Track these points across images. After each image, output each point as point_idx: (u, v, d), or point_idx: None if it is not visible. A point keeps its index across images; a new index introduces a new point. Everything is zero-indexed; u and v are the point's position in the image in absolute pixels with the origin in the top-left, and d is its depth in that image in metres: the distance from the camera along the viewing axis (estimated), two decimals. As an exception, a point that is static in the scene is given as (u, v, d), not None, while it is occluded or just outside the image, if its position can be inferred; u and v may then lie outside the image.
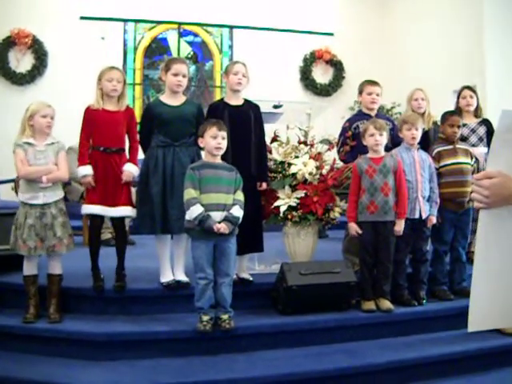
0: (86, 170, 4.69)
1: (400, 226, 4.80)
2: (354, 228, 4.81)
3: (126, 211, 4.74)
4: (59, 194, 4.64)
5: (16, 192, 5.91)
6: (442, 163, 5.16)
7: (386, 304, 4.75)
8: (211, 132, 4.31)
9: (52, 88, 10.41)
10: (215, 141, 4.30)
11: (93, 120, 4.72)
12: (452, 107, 6.03)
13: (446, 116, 5.30)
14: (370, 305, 4.76)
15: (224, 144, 4.35)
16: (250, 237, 4.73)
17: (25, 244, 4.47)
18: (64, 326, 4.39)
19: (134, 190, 5.04)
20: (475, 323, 2.02)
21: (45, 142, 4.60)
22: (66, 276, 4.74)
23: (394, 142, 5.31)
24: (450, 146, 5.22)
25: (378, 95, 5.46)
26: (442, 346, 4.51)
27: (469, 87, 5.97)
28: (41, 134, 4.57)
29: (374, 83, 5.49)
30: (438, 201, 5.00)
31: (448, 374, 4.34)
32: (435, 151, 5.23)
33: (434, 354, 4.39)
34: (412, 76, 10.30)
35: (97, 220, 4.79)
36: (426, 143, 5.46)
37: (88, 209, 4.72)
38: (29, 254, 4.50)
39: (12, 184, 7.36)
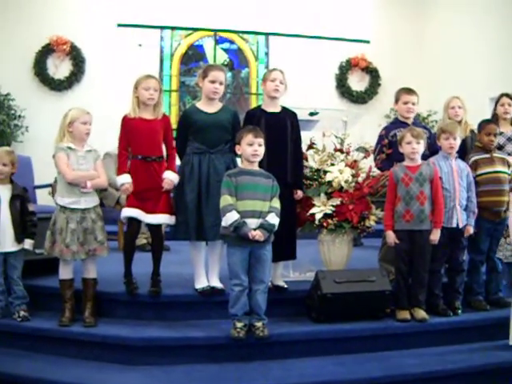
0: (124, 179, 4.73)
1: (436, 236, 4.75)
2: (391, 236, 4.77)
3: (164, 219, 4.75)
4: (96, 199, 4.73)
5: (53, 196, 6.00)
6: (478, 172, 5.12)
7: (421, 313, 4.71)
8: (247, 139, 4.31)
9: (89, 94, 10.52)
10: (252, 148, 4.31)
11: (130, 129, 4.75)
12: (489, 115, 5.97)
13: (483, 124, 5.26)
14: (404, 314, 4.72)
15: (261, 151, 4.34)
16: (283, 244, 4.72)
17: (68, 248, 4.52)
18: (99, 330, 4.44)
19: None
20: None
21: (83, 148, 4.66)
22: (101, 281, 4.80)
23: (432, 150, 5.27)
24: (487, 155, 5.17)
25: (414, 104, 5.41)
26: (477, 357, 4.45)
27: (507, 94, 5.87)
28: (80, 140, 4.64)
29: (410, 91, 5.44)
30: (476, 210, 4.95)
31: (483, 385, 4.30)
32: (472, 160, 5.19)
33: (469, 365, 4.34)
34: (449, 84, 10.24)
35: (134, 225, 4.80)
36: (463, 152, 5.39)
37: (127, 212, 4.74)
38: (73, 259, 4.56)
39: (49, 189, 7.45)
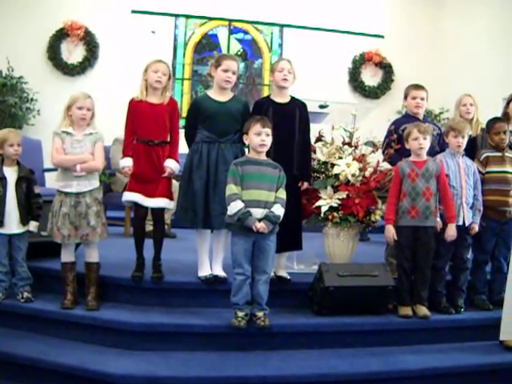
0: (125, 162, 4.77)
1: (451, 231, 4.73)
2: (391, 231, 4.75)
3: (164, 203, 4.76)
4: (94, 183, 4.68)
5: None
6: (487, 169, 5.12)
7: (423, 310, 4.70)
8: (255, 129, 4.31)
9: (102, 80, 10.57)
10: (259, 138, 4.31)
11: (136, 112, 4.78)
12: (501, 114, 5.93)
13: (490, 124, 5.25)
14: (406, 310, 4.71)
15: (268, 141, 4.34)
16: (289, 235, 4.73)
17: (59, 232, 4.56)
18: (101, 314, 4.46)
19: (176, 182, 5.07)
20: (507, 332, 1.99)
21: (83, 131, 4.66)
22: (105, 265, 4.82)
23: (441, 148, 5.26)
24: (499, 153, 5.16)
25: (422, 99, 5.39)
26: (478, 356, 4.45)
27: (520, 94, 5.84)
28: (77, 124, 4.64)
29: (418, 87, 5.43)
30: (482, 209, 4.94)
31: (483, 384, 4.30)
32: (484, 155, 5.19)
33: (470, 364, 4.34)
34: (462, 81, 10.19)
35: (140, 210, 4.83)
36: (473, 149, 5.39)
37: (127, 196, 4.79)
38: (63, 242, 4.59)
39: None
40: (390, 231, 4.75)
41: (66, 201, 4.57)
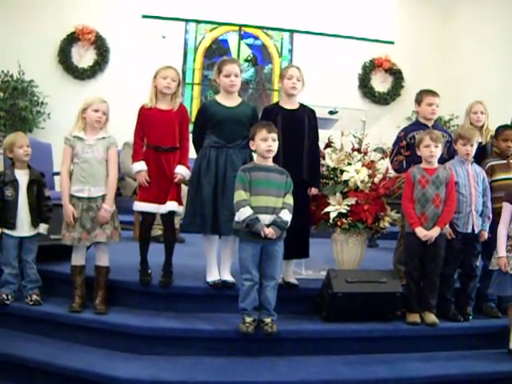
0: (140, 166, 4.76)
1: (433, 232, 4.67)
2: (423, 232, 4.67)
3: (171, 206, 4.73)
4: (104, 189, 4.67)
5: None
6: (494, 178, 5.11)
7: (431, 317, 4.68)
8: (261, 135, 4.32)
9: (112, 84, 10.58)
10: (266, 143, 4.31)
11: (146, 119, 4.79)
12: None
13: (499, 130, 5.23)
14: (414, 317, 4.70)
15: (275, 146, 4.35)
16: (296, 242, 4.72)
17: (69, 234, 4.58)
18: (109, 318, 4.46)
19: (185, 187, 5.06)
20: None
21: (96, 136, 4.67)
22: (115, 269, 4.83)
23: (451, 155, 5.23)
24: (504, 161, 5.15)
25: (437, 106, 5.37)
26: (486, 364, 4.43)
27: (530, 101, 5.82)
28: (91, 127, 4.66)
29: (434, 93, 5.39)
30: (491, 216, 4.92)
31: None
32: (488, 165, 5.18)
33: (478, 372, 4.32)
34: (472, 88, 10.14)
35: (149, 217, 4.86)
36: (482, 157, 5.36)
37: (139, 206, 4.81)
38: (72, 244, 4.61)
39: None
40: (423, 232, 4.68)
41: (78, 205, 4.59)
